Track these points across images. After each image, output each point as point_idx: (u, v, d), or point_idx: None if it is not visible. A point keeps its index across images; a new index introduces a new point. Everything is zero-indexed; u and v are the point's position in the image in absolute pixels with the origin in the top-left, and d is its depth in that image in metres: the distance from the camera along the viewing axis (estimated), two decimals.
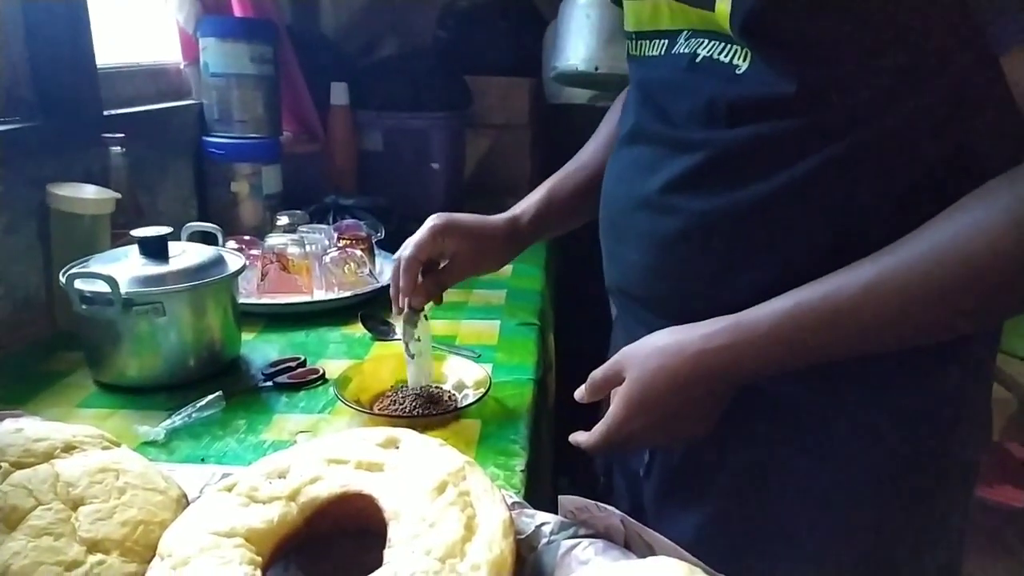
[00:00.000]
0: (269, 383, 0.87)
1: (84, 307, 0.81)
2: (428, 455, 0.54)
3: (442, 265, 0.83)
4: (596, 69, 1.50)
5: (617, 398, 0.62)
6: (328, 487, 0.52)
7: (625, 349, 0.63)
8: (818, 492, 0.63)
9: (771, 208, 0.58)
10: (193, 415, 0.78)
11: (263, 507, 0.51)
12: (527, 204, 0.88)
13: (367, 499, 0.51)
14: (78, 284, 0.81)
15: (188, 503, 0.55)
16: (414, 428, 0.70)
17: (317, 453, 0.55)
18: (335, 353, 0.97)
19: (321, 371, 0.89)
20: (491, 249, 0.85)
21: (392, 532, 0.48)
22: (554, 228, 0.90)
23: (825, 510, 0.63)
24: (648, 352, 0.61)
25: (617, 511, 0.49)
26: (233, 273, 0.90)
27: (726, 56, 0.58)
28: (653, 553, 0.47)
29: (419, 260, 0.80)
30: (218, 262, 0.90)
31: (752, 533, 0.66)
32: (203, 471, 0.60)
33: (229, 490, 0.52)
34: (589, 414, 1.16)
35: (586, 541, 0.49)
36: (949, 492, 0.64)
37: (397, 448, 0.56)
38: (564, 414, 1.27)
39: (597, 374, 0.65)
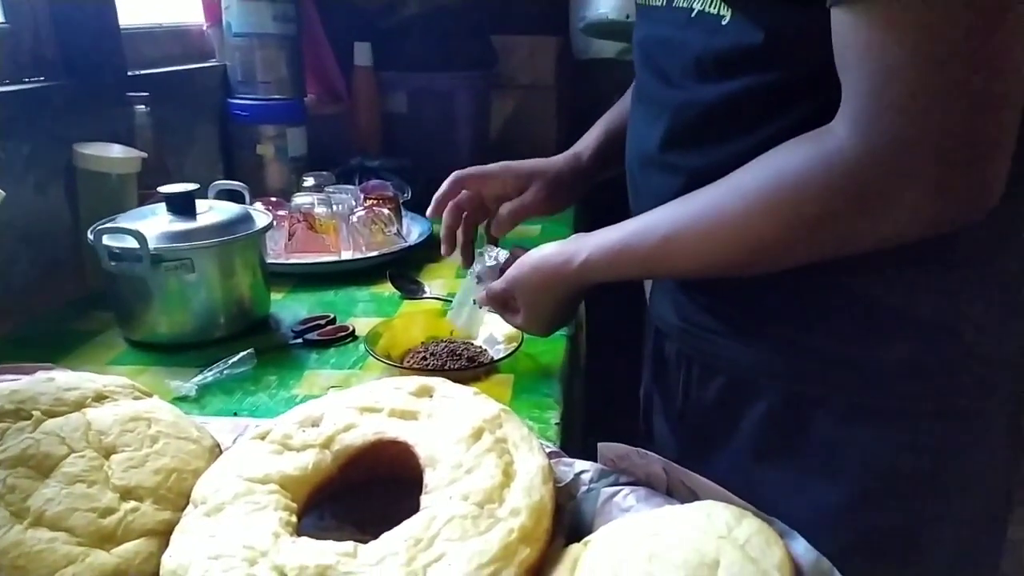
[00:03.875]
0: (299, 340, 0.87)
1: (113, 264, 0.81)
2: (463, 403, 0.53)
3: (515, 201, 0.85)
4: (628, 17, 1.45)
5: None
6: (362, 434, 0.51)
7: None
8: (854, 436, 0.61)
9: None
10: (225, 371, 0.77)
11: (296, 454, 0.50)
12: (586, 141, 0.88)
13: (401, 446, 0.50)
14: (106, 240, 0.80)
15: (221, 452, 0.54)
16: None
17: (350, 402, 0.54)
18: (364, 311, 0.96)
19: (351, 328, 0.88)
20: (559, 185, 0.85)
21: (428, 479, 0.47)
22: (616, 162, 0.89)
23: (863, 453, 0.61)
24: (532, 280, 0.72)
25: (659, 457, 0.47)
26: (261, 229, 0.89)
27: (714, 7, 0.58)
28: (697, 499, 0.45)
29: (460, 182, 0.83)
30: (245, 219, 0.89)
31: (787, 474, 0.64)
32: (236, 424, 0.59)
33: (262, 438, 0.52)
34: (621, 376, 1.14)
35: (627, 489, 0.48)
36: (992, 438, 0.62)
37: (431, 397, 0.54)
38: (595, 376, 1.25)
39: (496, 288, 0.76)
